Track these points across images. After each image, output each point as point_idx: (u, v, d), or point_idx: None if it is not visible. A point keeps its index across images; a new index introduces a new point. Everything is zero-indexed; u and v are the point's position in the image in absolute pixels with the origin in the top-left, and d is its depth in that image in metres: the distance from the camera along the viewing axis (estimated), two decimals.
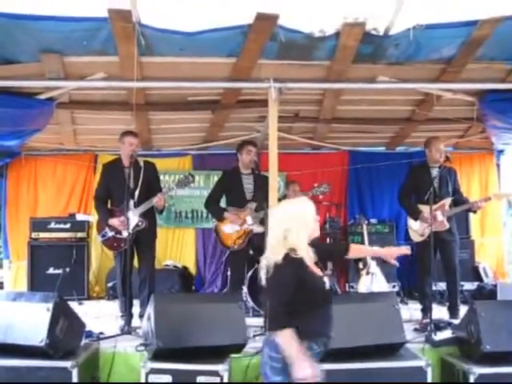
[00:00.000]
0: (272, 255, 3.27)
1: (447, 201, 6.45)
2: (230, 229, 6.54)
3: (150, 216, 6.12)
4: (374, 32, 5.02)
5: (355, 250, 3.87)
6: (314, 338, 3.27)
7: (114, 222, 6.02)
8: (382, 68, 5.80)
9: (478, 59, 5.66)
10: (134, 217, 5.90)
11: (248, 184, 6.57)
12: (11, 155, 8.40)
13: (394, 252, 4.01)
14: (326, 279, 3.36)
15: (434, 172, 6.49)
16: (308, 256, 3.30)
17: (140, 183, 6.01)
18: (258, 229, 6.38)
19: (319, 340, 3.30)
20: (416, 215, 6.49)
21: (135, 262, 6.26)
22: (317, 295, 3.28)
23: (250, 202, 6.49)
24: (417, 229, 6.51)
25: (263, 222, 6.06)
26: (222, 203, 6.89)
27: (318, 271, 3.37)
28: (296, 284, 3.17)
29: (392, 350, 4.68)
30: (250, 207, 6.45)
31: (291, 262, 3.21)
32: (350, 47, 5.28)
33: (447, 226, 6.37)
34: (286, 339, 3.10)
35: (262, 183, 5.84)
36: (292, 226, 3.26)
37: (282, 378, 3.17)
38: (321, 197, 7.17)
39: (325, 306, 3.33)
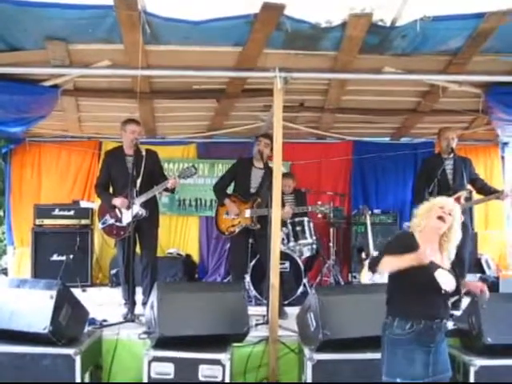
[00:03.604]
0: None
1: (463, 193, 6.44)
2: (227, 215, 6.58)
3: (151, 204, 6.11)
4: (380, 23, 4.99)
5: None
6: (411, 317, 3.41)
7: (116, 201, 6.00)
8: (388, 59, 5.77)
9: (485, 51, 5.63)
10: (135, 206, 5.89)
11: (255, 178, 6.55)
12: (15, 141, 8.42)
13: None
14: (443, 271, 3.36)
15: (448, 163, 6.50)
16: (425, 241, 3.48)
17: (142, 172, 5.97)
18: (251, 224, 6.44)
19: (416, 321, 3.40)
20: None
21: (138, 250, 6.27)
22: (419, 273, 3.33)
23: (255, 196, 6.48)
24: None
25: (260, 220, 6.18)
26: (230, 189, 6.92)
27: (435, 259, 3.43)
28: (401, 251, 3.37)
29: None
30: (254, 201, 6.44)
31: (402, 233, 3.69)
32: (356, 38, 5.26)
33: (462, 218, 6.35)
34: (388, 262, 3.41)
35: (270, 179, 5.78)
36: (419, 213, 3.62)
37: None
38: (319, 215, 7.26)
39: (427, 287, 3.39)
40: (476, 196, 7.07)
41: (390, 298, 3.58)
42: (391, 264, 3.40)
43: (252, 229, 6.47)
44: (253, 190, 6.55)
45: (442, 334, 3.50)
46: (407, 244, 3.45)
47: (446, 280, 3.34)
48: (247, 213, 6.46)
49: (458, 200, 6.36)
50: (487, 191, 6.66)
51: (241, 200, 6.55)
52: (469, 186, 6.74)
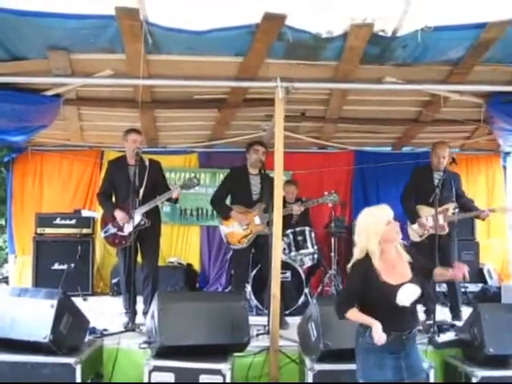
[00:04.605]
0: (354, 255, 3.70)
1: (450, 205, 6.50)
2: (236, 227, 6.50)
3: (154, 214, 6.14)
4: (381, 33, 4.99)
5: (438, 275, 3.84)
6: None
7: (118, 214, 6.02)
8: (390, 69, 5.78)
9: (486, 61, 5.64)
10: (137, 215, 5.91)
11: (255, 184, 6.53)
12: (17, 150, 8.44)
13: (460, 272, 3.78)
14: (405, 288, 3.51)
15: (437, 176, 6.56)
16: (385, 261, 3.59)
17: (145, 182, 6.01)
18: (265, 230, 6.34)
19: (386, 333, 3.44)
20: (414, 219, 6.57)
21: (139, 259, 6.26)
22: (380, 300, 3.52)
23: (259, 202, 6.46)
24: (416, 229, 6.55)
25: (269, 224, 6.07)
26: (227, 201, 6.84)
27: (397, 279, 3.55)
28: (363, 283, 3.55)
29: None
30: (259, 208, 6.42)
31: (359, 263, 3.63)
32: (357, 48, 5.27)
33: (447, 230, 6.41)
34: (354, 316, 3.55)
35: (269, 184, 5.80)
36: (362, 231, 3.65)
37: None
38: (330, 205, 7.25)
39: (392, 309, 3.49)
40: None
41: (360, 310, 3.62)
42: (356, 320, 3.58)
43: (256, 239, 6.43)
44: (255, 197, 6.52)
45: (413, 341, 3.64)
46: (364, 272, 3.59)
47: (408, 298, 3.52)
48: (257, 220, 6.43)
49: (445, 211, 6.40)
50: (469, 209, 6.72)
51: (245, 209, 6.50)
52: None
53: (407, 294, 3.50)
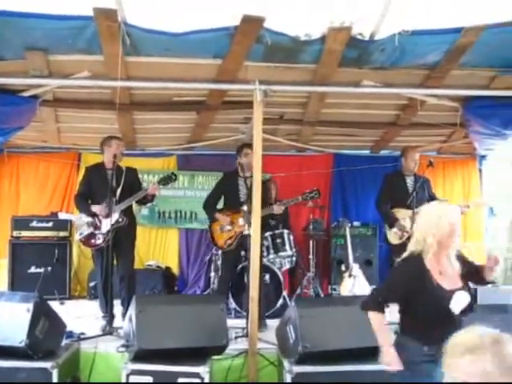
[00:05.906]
0: (409, 246, 3.40)
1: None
2: (223, 230, 6.55)
3: (129, 217, 6.17)
4: (359, 37, 5.04)
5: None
6: (426, 343, 3.28)
7: (96, 207, 6.07)
8: (367, 72, 5.83)
9: (462, 66, 5.71)
10: (115, 213, 5.93)
11: (243, 186, 6.52)
12: None
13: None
14: (458, 295, 3.32)
15: (409, 180, 6.77)
16: (436, 263, 3.32)
17: (122, 183, 6.07)
18: (249, 231, 6.32)
19: (433, 346, 3.20)
20: (392, 223, 6.67)
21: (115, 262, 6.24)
22: (433, 304, 3.29)
23: (244, 204, 6.46)
24: (396, 231, 6.63)
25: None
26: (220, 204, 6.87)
27: (449, 283, 3.33)
28: (411, 284, 3.27)
29: (376, 352, 4.69)
30: (244, 209, 6.42)
31: (411, 260, 3.34)
32: (335, 51, 5.30)
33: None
34: (376, 322, 3.35)
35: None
36: (424, 222, 3.38)
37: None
38: (310, 203, 7.25)
39: (443, 316, 3.28)
40: None
41: (404, 320, 3.48)
42: (375, 329, 3.38)
43: (244, 241, 6.41)
44: (243, 199, 6.50)
45: None
46: (416, 271, 3.32)
47: (459, 305, 3.33)
48: (240, 221, 6.44)
49: None
50: None
51: (232, 211, 6.54)
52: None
53: (459, 301, 3.31)
